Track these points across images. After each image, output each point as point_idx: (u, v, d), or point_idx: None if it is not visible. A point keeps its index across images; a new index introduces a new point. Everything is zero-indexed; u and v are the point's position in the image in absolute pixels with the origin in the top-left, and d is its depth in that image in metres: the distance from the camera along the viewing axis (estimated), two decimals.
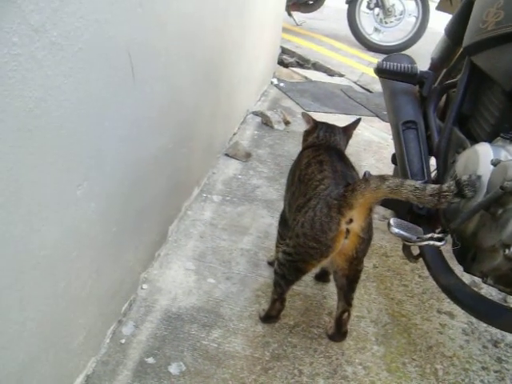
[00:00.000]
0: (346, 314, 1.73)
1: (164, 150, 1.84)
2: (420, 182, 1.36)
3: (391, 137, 2.11)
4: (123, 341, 1.68)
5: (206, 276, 2.01)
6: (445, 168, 1.75)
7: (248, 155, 2.98)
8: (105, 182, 1.39)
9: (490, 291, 2.10)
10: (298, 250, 1.59)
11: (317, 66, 5.32)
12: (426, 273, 1.70)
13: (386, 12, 6.12)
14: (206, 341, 1.72)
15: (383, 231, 2.37)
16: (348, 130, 1.95)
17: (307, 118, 1.97)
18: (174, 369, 1.61)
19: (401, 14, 6.15)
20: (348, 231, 1.51)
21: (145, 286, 1.91)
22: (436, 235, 1.50)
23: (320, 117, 3.73)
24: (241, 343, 1.74)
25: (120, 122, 1.40)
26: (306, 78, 4.88)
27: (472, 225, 1.37)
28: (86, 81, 1.17)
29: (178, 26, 1.74)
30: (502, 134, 1.45)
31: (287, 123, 3.58)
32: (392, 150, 2.12)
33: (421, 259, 1.67)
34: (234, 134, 3.26)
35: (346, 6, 6.17)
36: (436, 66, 2.20)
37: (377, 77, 2.22)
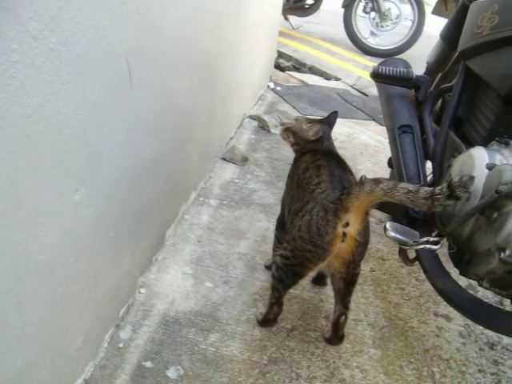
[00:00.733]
0: (343, 317, 1.74)
1: (161, 154, 1.84)
2: (414, 185, 1.36)
3: (387, 140, 2.12)
4: (121, 345, 1.68)
5: (203, 280, 2.02)
6: (441, 172, 1.76)
7: (245, 159, 2.99)
8: (102, 187, 1.39)
9: (486, 294, 2.11)
10: (295, 253, 1.60)
11: (313, 70, 5.33)
12: (423, 276, 1.71)
13: (382, 16, 6.13)
14: (203, 345, 1.73)
15: (380, 235, 2.38)
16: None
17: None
18: (171, 373, 1.61)
19: (397, 18, 6.16)
20: (345, 234, 1.52)
21: (142, 291, 1.91)
22: (432, 239, 1.50)
23: None
24: (238, 347, 1.74)
25: (117, 126, 1.41)
26: (302, 81, 4.89)
27: (467, 228, 1.38)
28: (83, 86, 1.17)
29: (173, 31, 1.75)
30: (497, 138, 1.46)
31: None
32: (388, 153, 2.13)
33: (417, 263, 1.68)
34: (231, 138, 3.27)
35: (342, 10, 6.18)
36: (432, 70, 2.21)
37: (373, 81, 2.23)
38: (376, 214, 2.59)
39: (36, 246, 1.11)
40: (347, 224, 1.51)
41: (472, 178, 1.26)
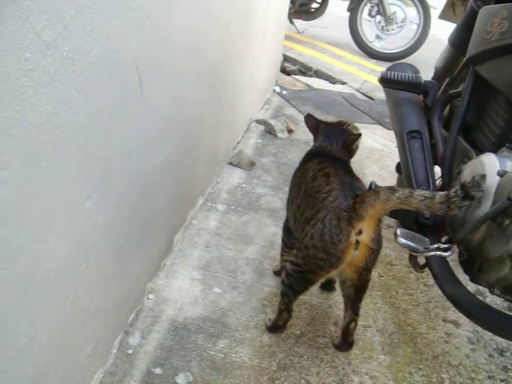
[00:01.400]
0: (353, 323, 1.73)
1: (170, 160, 1.84)
2: (428, 190, 1.36)
3: (394, 144, 2.12)
4: (130, 351, 1.68)
5: (211, 285, 2.02)
6: (450, 177, 1.76)
7: (252, 164, 2.99)
8: (113, 194, 1.39)
9: (494, 299, 2.10)
10: (306, 261, 1.60)
11: (319, 74, 5.33)
12: (431, 281, 1.70)
13: (388, 19, 6.13)
14: (212, 351, 1.73)
15: (387, 239, 2.37)
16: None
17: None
18: (181, 379, 1.61)
19: (402, 22, 6.17)
20: (358, 242, 1.52)
21: (151, 296, 1.91)
22: (442, 246, 1.50)
23: None
24: (247, 353, 1.74)
25: (128, 134, 1.41)
26: (308, 85, 4.89)
27: (479, 235, 1.38)
28: (95, 94, 1.18)
29: (183, 39, 1.75)
30: (508, 144, 1.45)
31: (290, 131, 3.59)
32: (395, 157, 2.13)
33: (427, 269, 1.68)
34: (238, 143, 3.27)
35: (348, 14, 6.19)
36: (440, 75, 2.20)
37: (379, 84, 2.23)
38: (383, 219, 2.58)
39: (48, 254, 1.11)
40: (360, 232, 1.50)
41: (484, 177, 1.29)
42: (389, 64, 2.52)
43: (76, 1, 1.02)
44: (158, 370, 1.63)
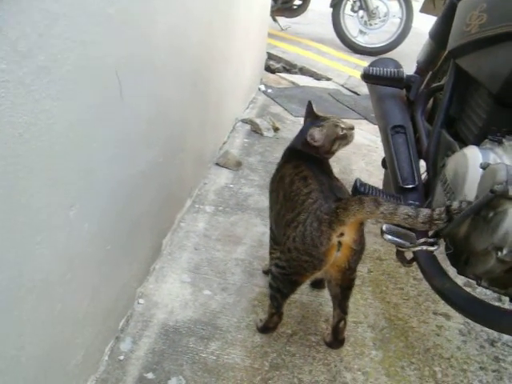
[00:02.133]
0: (343, 322, 1.74)
1: (154, 164, 1.84)
2: (413, 208, 1.38)
3: (380, 139, 2.12)
4: (122, 357, 1.68)
5: (201, 288, 2.01)
6: (435, 171, 1.76)
7: (239, 164, 2.99)
8: (97, 201, 1.39)
9: (484, 291, 2.11)
10: (291, 263, 1.60)
11: (304, 71, 5.34)
12: (421, 275, 1.71)
13: (370, 14, 6.15)
14: (204, 353, 1.73)
15: (376, 235, 2.38)
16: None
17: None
18: (173, 383, 1.61)
19: (385, 16, 6.19)
20: (340, 244, 1.52)
21: (141, 301, 1.90)
22: (429, 240, 1.50)
23: None
24: (239, 354, 1.74)
25: (109, 140, 1.40)
26: (293, 83, 4.89)
27: (464, 229, 1.38)
28: (74, 102, 1.17)
29: (163, 41, 1.75)
30: (490, 136, 1.46)
31: (276, 130, 3.59)
32: (382, 152, 2.13)
33: (415, 263, 1.68)
34: (224, 143, 3.26)
35: (331, 10, 6.20)
36: (422, 69, 2.21)
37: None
38: None
39: (32, 266, 1.11)
40: (342, 234, 1.52)
41: (469, 204, 1.30)
42: (373, 58, 2.53)
43: (50, 10, 1.01)
44: (150, 375, 1.63)
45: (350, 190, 1.80)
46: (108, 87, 1.35)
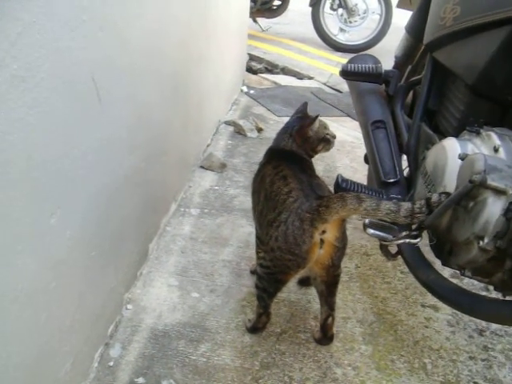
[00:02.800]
0: (330, 318, 1.75)
1: (137, 168, 1.84)
2: (395, 203, 1.41)
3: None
4: (111, 363, 1.67)
5: (189, 291, 2.01)
6: (416, 164, 1.77)
7: (223, 166, 2.99)
8: (79, 208, 1.38)
9: (472, 280, 2.12)
10: (275, 262, 1.61)
11: (286, 71, 5.35)
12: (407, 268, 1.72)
13: (350, 12, 6.18)
14: (194, 356, 1.73)
15: (362, 230, 2.38)
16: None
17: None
18: None
19: (364, 13, 6.21)
20: (322, 241, 1.53)
21: (129, 307, 1.90)
22: (411, 233, 1.51)
23: None
24: (229, 355, 1.74)
25: (89, 146, 1.40)
26: (275, 83, 4.90)
27: (446, 219, 1.39)
28: (51, 110, 1.17)
29: (141, 43, 1.75)
30: (468, 127, 1.47)
31: (260, 130, 3.60)
32: (365, 148, 2.14)
33: (400, 256, 1.69)
34: (208, 146, 3.26)
35: (310, 9, 6.21)
36: (400, 63, 2.23)
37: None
38: None
39: (15, 275, 1.10)
40: (324, 231, 1.52)
41: (449, 195, 1.32)
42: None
43: (21, 18, 1.01)
44: (140, 380, 1.63)
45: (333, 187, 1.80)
46: (85, 93, 1.35)
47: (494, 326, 1.97)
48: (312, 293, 2.02)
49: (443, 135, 1.64)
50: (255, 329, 1.82)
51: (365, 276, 2.18)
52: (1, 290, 1.06)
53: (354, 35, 6.32)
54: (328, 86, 4.91)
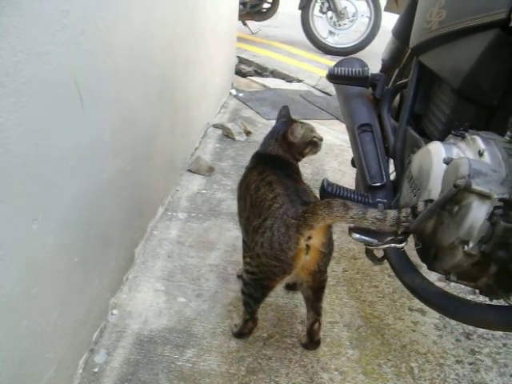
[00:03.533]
0: (317, 323, 1.74)
1: (122, 172, 1.82)
2: (381, 211, 1.41)
3: None
4: (96, 369, 1.66)
5: (176, 295, 2.00)
6: (402, 168, 1.77)
7: (211, 169, 2.98)
8: (62, 213, 1.37)
9: (459, 284, 2.12)
10: (261, 268, 1.60)
11: (275, 74, 5.35)
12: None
13: (339, 15, 6.19)
14: (180, 361, 1.71)
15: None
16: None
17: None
18: None
19: (353, 16, 6.23)
20: (308, 247, 1.53)
21: (115, 312, 1.89)
22: (397, 237, 1.51)
23: None
24: (215, 360, 1.73)
25: (71, 150, 1.38)
26: (264, 86, 4.90)
27: (431, 224, 1.38)
28: (31, 114, 1.15)
29: (126, 47, 1.74)
30: (453, 131, 1.47)
31: (248, 133, 3.59)
32: None
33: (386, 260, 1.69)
34: (196, 149, 3.25)
35: (300, 12, 6.22)
36: (387, 67, 2.23)
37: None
38: None
39: None
40: (310, 237, 1.52)
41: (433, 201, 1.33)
42: None
43: None
44: None
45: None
46: (67, 97, 1.34)
47: (481, 329, 1.96)
48: (299, 297, 2.01)
49: (429, 139, 1.64)
50: (241, 334, 1.81)
51: (352, 280, 2.18)
52: None
53: (344, 38, 6.34)
54: (317, 89, 4.92)
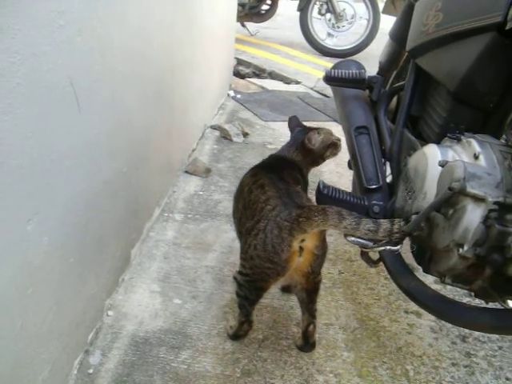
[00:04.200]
0: (312, 326, 1.74)
1: (118, 173, 1.82)
2: (374, 222, 1.42)
3: None
4: (91, 371, 1.65)
5: (171, 297, 2.00)
6: (398, 171, 1.77)
7: (208, 171, 2.98)
8: (57, 214, 1.37)
9: (455, 287, 2.12)
10: (254, 270, 1.60)
11: (273, 75, 5.35)
12: None
13: (338, 16, 6.20)
14: (175, 363, 1.71)
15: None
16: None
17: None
18: None
19: (352, 18, 6.25)
20: (301, 249, 1.54)
21: (110, 313, 1.88)
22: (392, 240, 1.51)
23: (279, 126, 3.77)
24: (210, 362, 1.73)
25: (67, 152, 1.38)
26: (262, 87, 4.91)
27: (426, 226, 1.39)
28: (27, 115, 1.15)
29: (122, 48, 1.73)
30: (449, 134, 1.47)
31: (246, 135, 3.59)
32: None
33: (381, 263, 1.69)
34: (193, 150, 3.25)
35: (298, 14, 6.23)
36: (384, 69, 2.23)
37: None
38: None
39: None
40: (303, 239, 1.53)
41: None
42: None
43: None
44: None
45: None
46: (63, 98, 1.34)
47: (477, 332, 1.96)
48: (295, 299, 1.99)
49: (426, 141, 1.64)
50: (237, 336, 1.81)
51: (348, 282, 2.18)
52: None
53: (342, 40, 6.35)
54: (315, 91, 4.92)
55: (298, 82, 5.14)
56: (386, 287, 2.16)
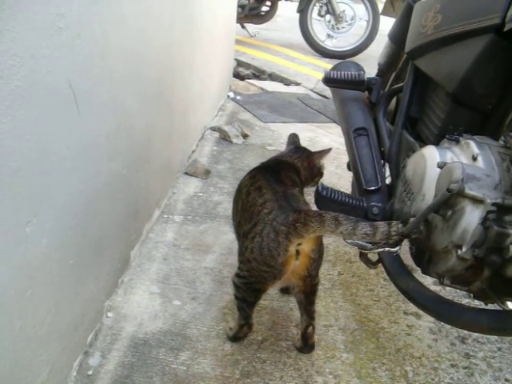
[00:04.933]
0: (311, 327, 1.74)
1: (118, 175, 1.82)
2: (371, 225, 1.42)
3: None
4: (90, 372, 1.65)
5: (171, 298, 2.00)
6: (397, 172, 1.77)
7: (207, 172, 2.98)
8: (55, 216, 1.37)
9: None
10: (252, 273, 1.61)
11: (273, 77, 5.36)
12: None
13: (337, 18, 6.21)
14: (174, 364, 1.71)
15: None
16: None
17: None
18: None
19: (352, 19, 6.26)
20: (298, 252, 1.54)
21: (110, 314, 1.88)
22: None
23: (279, 128, 3.77)
24: (210, 363, 1.73)
25: (66, 154, 1.38)
26: (262, 89, 4.91)
27: (424, 228, 1.39)
28: (26, 118, 1.15)
29: (122, 50, 1.74)
30: (448, 135, 1.47)
31: (245, 136, 3.59)
32: None
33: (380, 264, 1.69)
34: (193, 152, 3.26)
35: (298, 15, 6.23)
36: (383, 71, 2.23)
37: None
38: None
39: None
40: (300, 243, 1.53)
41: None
42: None
43: None
44: None
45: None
46: (62, 101, 1.34)
47: (476, 333, 1.96)
48: (294, 300, 2.01)
49: (424, 143, 1.64)
50: (236, 338, 1.81)
51: (347, 283, 2.18)
52: None
53: (342, 41, 6.36)
54: (315, 92, 4.93)
55: (297, 84, 5.15)
56: (386, 288, 2.16)
